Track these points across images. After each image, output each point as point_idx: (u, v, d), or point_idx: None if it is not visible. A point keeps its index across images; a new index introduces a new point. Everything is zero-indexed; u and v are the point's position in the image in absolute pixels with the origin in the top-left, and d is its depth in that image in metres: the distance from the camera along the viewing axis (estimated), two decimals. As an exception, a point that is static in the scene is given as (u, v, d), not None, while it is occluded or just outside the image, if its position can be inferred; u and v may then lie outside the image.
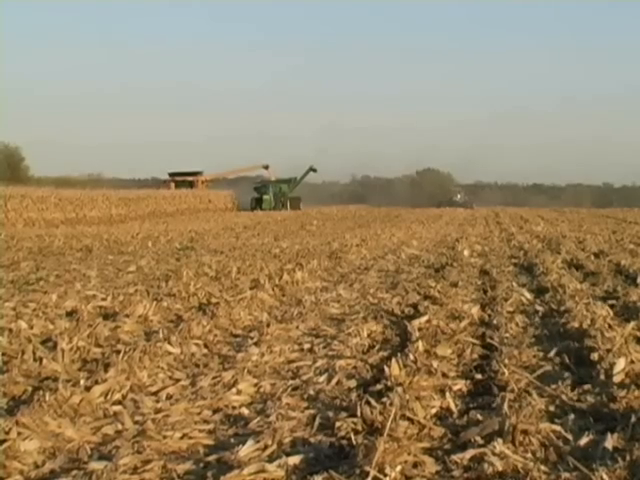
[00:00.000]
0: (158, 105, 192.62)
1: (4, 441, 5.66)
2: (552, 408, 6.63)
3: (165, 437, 6.02)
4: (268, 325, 10.63)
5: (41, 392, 7.03)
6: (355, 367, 8.23)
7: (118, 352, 8.76)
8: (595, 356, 8.24)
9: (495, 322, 10.64)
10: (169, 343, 9.13)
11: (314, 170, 77.80)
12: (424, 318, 10.43)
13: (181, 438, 6.04)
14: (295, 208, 73.29)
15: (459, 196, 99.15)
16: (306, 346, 9.40)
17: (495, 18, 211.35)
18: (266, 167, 79.99)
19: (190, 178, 77.22)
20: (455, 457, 5.40)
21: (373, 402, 6.40)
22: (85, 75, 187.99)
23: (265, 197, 74.88)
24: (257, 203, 74.28)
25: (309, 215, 56.95)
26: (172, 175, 78.43)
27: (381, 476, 4.81)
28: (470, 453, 5.42)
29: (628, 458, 5.24)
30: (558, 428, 5.94)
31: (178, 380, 7.87)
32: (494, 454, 5.34)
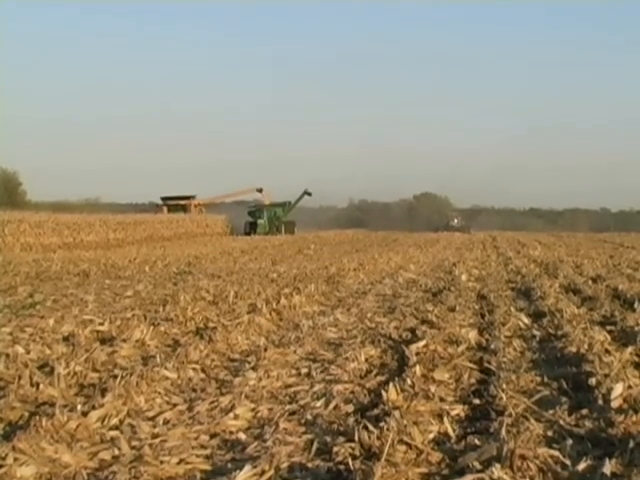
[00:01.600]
0: (155, 131, 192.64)
1: (1, 467, 5.65)
2: (550, 433, 6.63)
3: (162, 462, 6.00)
4: (265, 349, 10.63)
5: (38, 417, 7.01)
6: (353, 392, 8.22)
7: (115, 377, 8.75)
8: (593, 381, 8.24)
9: (493, 347, 10.64)
10: (166, 368, 9.12)
11: (309, 194, 76.73)
12: (422, 343, 10.43)
13: (178, 463, 6.03)
14: (290, 232, 72.53)
15: (456, 220, 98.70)
16: (303, 371, 9.39)
17: (477, 52, 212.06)
18: (260, 190, 78.56)
19: (183, 202, 75.97)
20: (453, 482, 5.39)
21: (371, 427, 6.39)
22: (82, 100, 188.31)
23: (259, 221, 74.07)
24: (251, 227, 73.61)
25: (306, 239, 56.90)
26: (165, 199, 77.23)
27: (379, 501, 4.81)
28: (468, 478, 5.41)
29: (626, 484, 5.23)
30: (556, 453, 5.93)
31: (175, 405, 7.86)
32: (492, 479, 5.32)
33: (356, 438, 6.22)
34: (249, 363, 9.70)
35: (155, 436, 6.75)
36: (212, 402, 7.78)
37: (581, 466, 5.74)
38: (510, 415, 6.93)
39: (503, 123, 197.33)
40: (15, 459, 5.81)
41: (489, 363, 9.54)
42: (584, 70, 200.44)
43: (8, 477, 5.54)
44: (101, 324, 12.51)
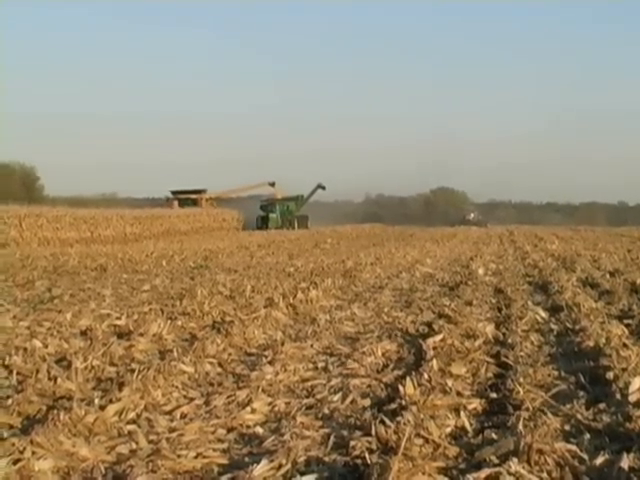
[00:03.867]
0: (170, 126, 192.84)
1: (19, 460, 5.67)
2: (567, 427, 6.60)
3: (179, 456, 6.01)
4: (282, 344, 10.63)
5: (55, 411, 7.03)
6: (369, 386, 8.22)
7: (132, 371, 8.78)
8: (610, 375, 8.21)
9: (510, 341, 10.61)
10: (183, 362, 9.13)
11: (322, 187, 74.89)
12: (439, 337, 10.41)
13: (195, 457, 6.04)
14: (302, 227, 71.17)
15: (472, 215, 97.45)
16: (320, 365, 9.40)
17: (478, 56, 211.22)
18: (272, 184, 75.46)
19: (193, 196, 73.52)
20: (470, 477, 5.37)
21: (387, 421, 6.38)
22: (98, 96, 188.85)
23: (272, 215, 72.50)
24: (263, 222, 72.07)
25: (323, 234, 56.89)
26: (175, 193, 74.87)
27: (396, 496, 4.80)
28: (485, 472, 5.39)
29: (644, 478, 5.21)
30: (573, 447, 5.91)
31: (192, 399, 7.87)
32: (509, 474, 5.31)
33: (373, 432, 6.21)
34: (266, 357, 9.71)
35: (172, 430, 6.77)
36: (229, 396, 7.79)
37: (599, 460, 5.71)
38: (527, 409, 6.92)
39: (520, 116, 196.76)
40: (33, 453, 5.83)
41: (506, 357, 9.52)
42: (601, 61, 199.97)
43: (26, 471, 5.56)
44: (118, 318, 12.54)
